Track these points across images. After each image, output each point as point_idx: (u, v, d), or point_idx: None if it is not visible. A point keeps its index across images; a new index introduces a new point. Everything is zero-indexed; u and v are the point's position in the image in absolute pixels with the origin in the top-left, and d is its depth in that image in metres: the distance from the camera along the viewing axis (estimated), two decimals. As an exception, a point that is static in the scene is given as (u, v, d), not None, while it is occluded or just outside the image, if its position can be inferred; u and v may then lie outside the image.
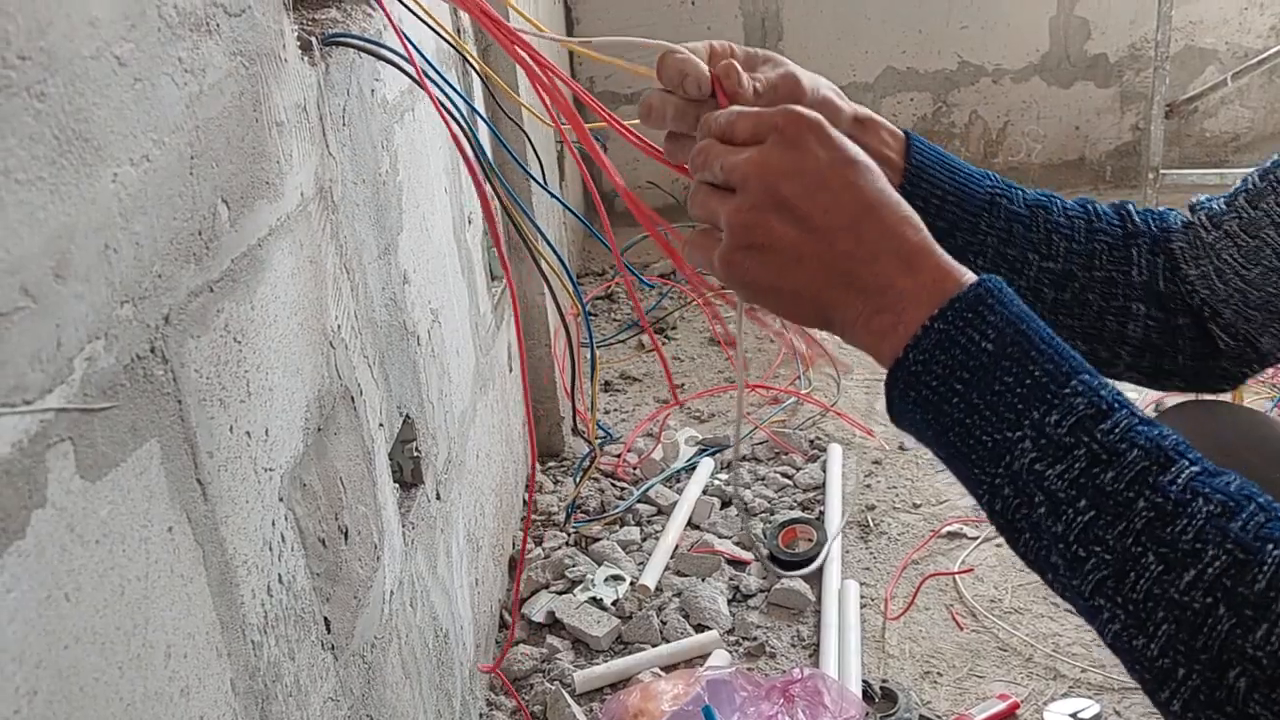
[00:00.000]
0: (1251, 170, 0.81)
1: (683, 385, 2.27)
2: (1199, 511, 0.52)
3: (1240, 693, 0.49)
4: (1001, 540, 1.72)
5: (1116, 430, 0.54)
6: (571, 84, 0.86)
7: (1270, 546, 0.50)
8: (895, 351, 0.59)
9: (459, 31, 1.45)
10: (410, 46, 0.97)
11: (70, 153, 0.52)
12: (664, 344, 2.47)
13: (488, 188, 1.55)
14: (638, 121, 0.75)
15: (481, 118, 1.30)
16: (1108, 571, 0.53)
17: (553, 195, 1.20)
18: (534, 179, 1.35)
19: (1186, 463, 0.54)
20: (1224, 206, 0.81)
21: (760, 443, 1.99)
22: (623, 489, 1.87)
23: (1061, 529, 0.54)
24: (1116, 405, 0.55)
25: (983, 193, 0.79)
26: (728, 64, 0.69)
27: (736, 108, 0.65)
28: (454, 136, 0.97)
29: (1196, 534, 0.52)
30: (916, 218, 0.61)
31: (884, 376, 0.61)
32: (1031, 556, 0.57)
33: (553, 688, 1.40)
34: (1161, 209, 0.85)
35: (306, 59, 0.87)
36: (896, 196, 0.61)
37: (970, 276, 0.59)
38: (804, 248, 0.60)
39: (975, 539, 1.66)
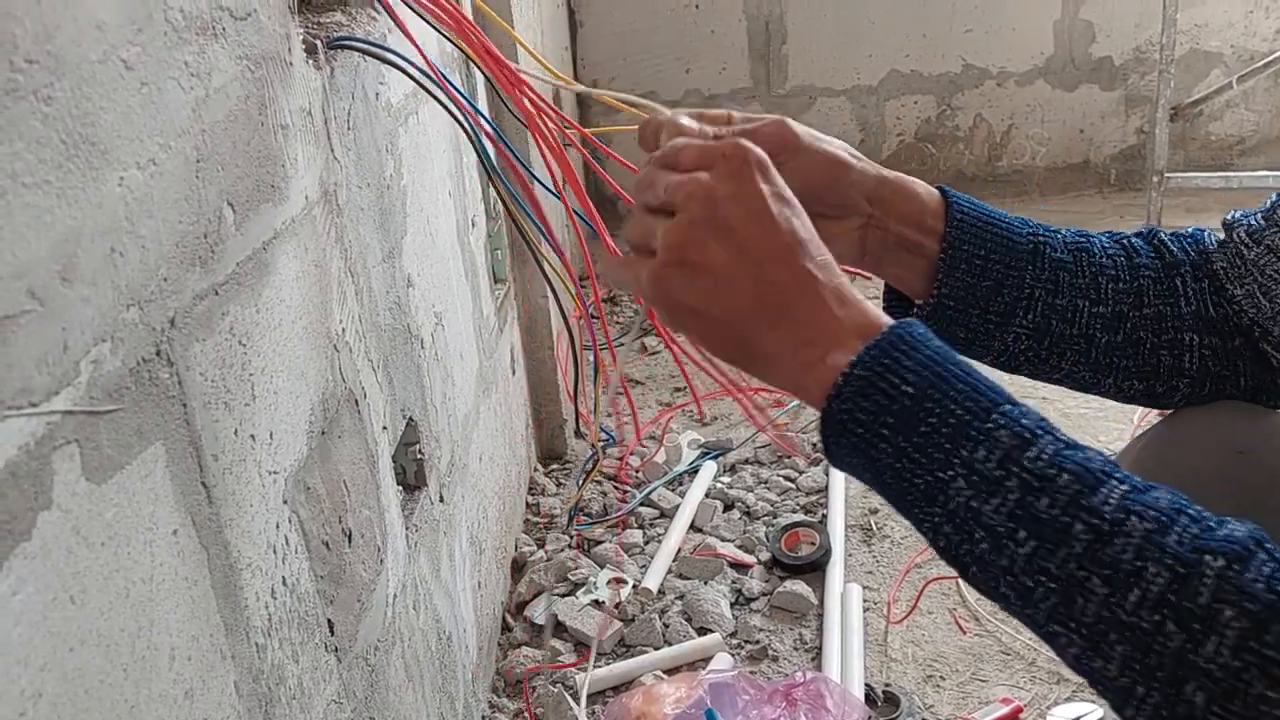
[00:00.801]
0: None
1: (685, 388, 2.27)
2: (1135, 530, 0.52)
3: (1199, 706, 0.50)
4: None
5: (1044, 457, 0.55)
6: (573, 141, 0.87)
7: (1208, 558, 0.51)
8: (820, 395, 0.59)
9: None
10: (415, 48, 0.97)
11: (77, 156, 0.52)
12: (664, 347, 2.47)
13: (492, 191, 1.55)
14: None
15: (485, 119, 1.31)
16: (1057, 599, 0.54)
17: (555, 196, 1.20)
18: (538, 180, 1.35)
19: (1115, 482, 0.54)
20: (1263, 221, 0.79)
21: (763, 446, 1.99)
22: (625, 492, 1.87)
23: (1006, 562, 0.55)
24: (1040, 433, 0.56)
25: (1025, 243, 0.77)
26: (669, 118, 0.68)
27: (686, 139, 0.64)
28: (466, 132, 0.97)
29: (1136, 553, 0.52)
30: (835, 265, 0.61)
31: None
32: (983, 588, 0.58)
33: (555, 690, 1.40)
34: (1191, 229, 0.83)
35: (312, 63, 0.87)
36: (822, 244, 0.61)
37: (886, 322, 0.59)
38: (736, 272, 0.59)
39: (978, 543, 1.66)
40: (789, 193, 0.62)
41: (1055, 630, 0.55)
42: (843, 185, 0.73)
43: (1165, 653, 0.51)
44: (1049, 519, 0.54)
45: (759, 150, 0.61)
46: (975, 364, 0.60)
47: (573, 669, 1.45)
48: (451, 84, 1.01)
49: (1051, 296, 0.77)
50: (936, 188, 0.77)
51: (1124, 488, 0.54)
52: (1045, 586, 0.54)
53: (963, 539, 0.56)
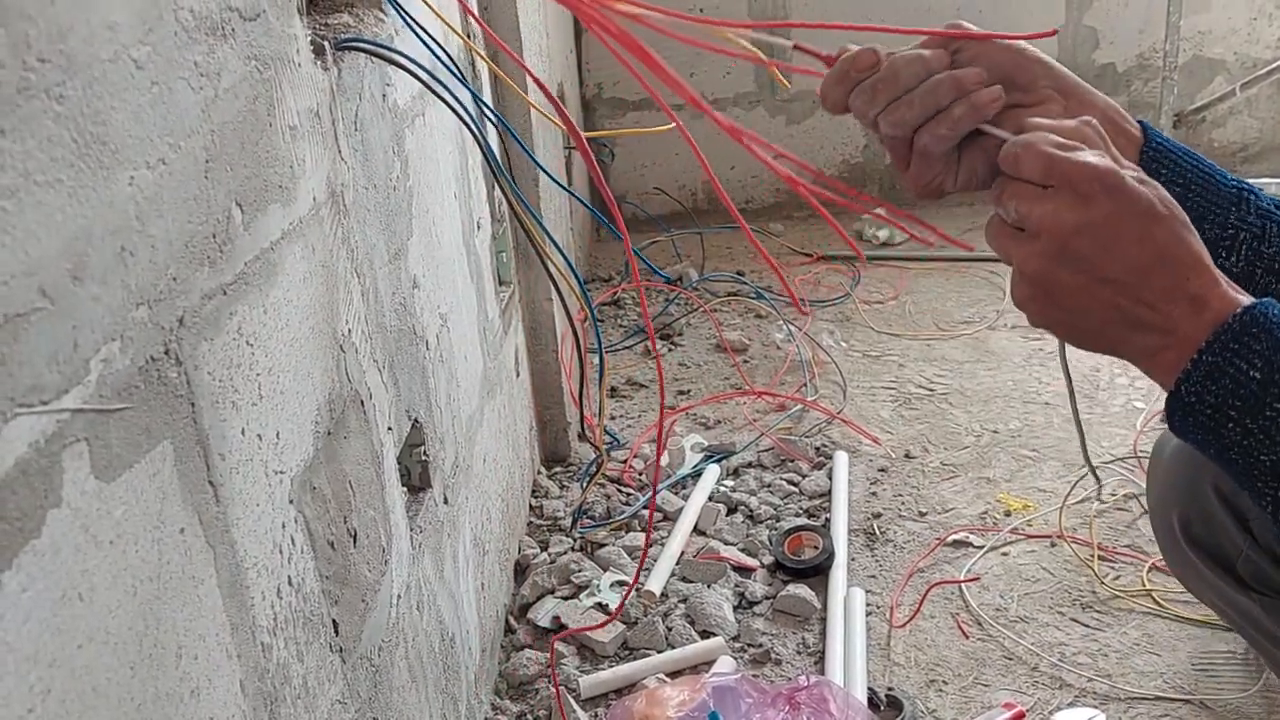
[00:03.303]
0: None
1: (688, 391, 2.27)
2: None
3: None
4: (1008, 549, 1.71)
5: None
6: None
7: None
8: (1169, 377, 0.64)
9: (469, 35, 1.45)
10: (425, 49, 0.98)
11: (88, 155, 0.52)
12: (670, 350, 2.47)
13: (497, 191, 1.55)
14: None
15: (492, 115, 1.31)
16: None
17: (565, 189, 1.21)
18: (546, 173, 1.35)
19: None
20: None
21: (766, 450, 1.99)
22: (628, 495, 1.87)
23: None
24: None
25: (1229, 188, 0.77)
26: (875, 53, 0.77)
27: (1026, 139, 0.67)
28: (472, 132, 0.97)
29: None
30: (1202, 257, 0.64)
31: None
32: None
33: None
34: None
35: (319, 64, 0.87)
36: (1184, 237, 0.64)
37: (1240, 304, 0.62)
38: (1092, 296, 0.64)
39: (981, 548, 1.66)
40: (1142, 201, 0.63)
41: None
42: (1027, 65, 0.74)
43: None
44: None
45: (1104, 166, 0.63)
46: None
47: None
48: (460, 82, 1.01)
49: (1258, 243, 0.76)
50: (1137, 121, 0.78)
51: None
52: None
53: None
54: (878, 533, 1.73)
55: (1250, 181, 0.79)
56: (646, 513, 1.80)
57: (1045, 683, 1.40)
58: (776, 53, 0.78)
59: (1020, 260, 0.66)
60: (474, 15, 1.25)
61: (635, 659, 1.47)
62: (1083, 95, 0.75)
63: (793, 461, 1.94)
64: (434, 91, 1.04)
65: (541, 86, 0.97)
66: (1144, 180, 0.65)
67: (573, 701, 1.38)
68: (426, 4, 1.03)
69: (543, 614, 1.56)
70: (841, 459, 1.91)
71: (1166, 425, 0.66)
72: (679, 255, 2.93)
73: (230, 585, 0.66)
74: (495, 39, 0.99)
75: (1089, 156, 0.64)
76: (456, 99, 1.02)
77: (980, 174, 0.76)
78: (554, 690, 1.39)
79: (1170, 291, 0.63)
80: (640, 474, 1.93)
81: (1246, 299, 0.63)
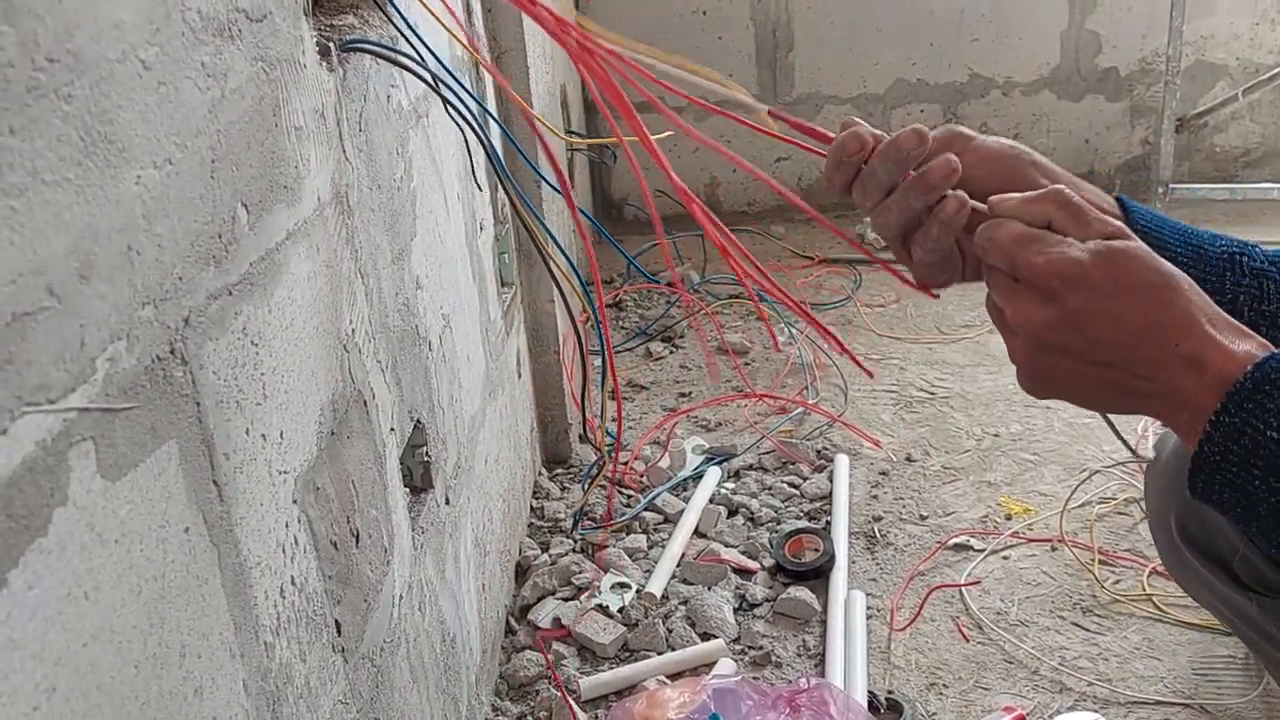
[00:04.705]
0: None
1: (690, 394, 2.28)
2: None
3: None
4: (1008, 553, 1.71)
5: None
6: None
7: None
8: (1190, 440, 0.64)
9: (471, 39, 1.45)
10: (429, 51, 0.98)
11: (95, 154, 0.52)
12: (671, 352, 2.47)
13: (500, 192, 1.55)
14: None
15: (494, 119, 1.31)
16: None
17: (563, 195, 1.21)
18: (545, 180, 1.35)
19: None
20: None
21: (767, 452, 1.99)
22: (630, 496, 1.87)
23: None
24: None
25: (1220, 252, 0.77)
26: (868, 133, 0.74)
27: (989, 232, 0.68)
28: (476, 134, 0.97)
29: None
30: (1196, 308, 0.63)
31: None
32: None
33: (558, 694, 1.40)
34: None
35: (325, 65, 0.88)
36: (1165, 300, 0.63)
37: (1253, 358, 0.62)
38: (1086, 377, 0.65)
39: (982, 551, 1.66)
40: (1109, 282, 0.63)
41: None
42: (1023, 167, 0.75)
43: None
44: None
45: (1057, 259, 0.64)
46: None
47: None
48: (463, 86, 1.02)
49: (1258, 302, 0.76)
50: (1114, 197, 0.78)
51: None
52: None
53: None
54: (878, 536, 1.73)
55: (1241, 239, 0.79)
56: (647, 514, 1.80)
57: (1046, 686, 1.40)
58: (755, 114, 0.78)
59: (1010, 350, 0.68)
60: (467, 34, 1.25)
61: (636, 660, 1.47)
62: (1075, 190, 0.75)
63: (794, 464, 1.94)
64: (438, 93, 1.04)
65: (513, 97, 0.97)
66: (1109, 255, 0.64)
67: (573, 703, 1.38)
68: (428, 9, 1.03)
69: (543, 615, 1.56)
70: (842, 462, 1.91)
71: (1188, 489, 0.66)
72: (680, 258, 2.93)
73: (234, 584, 0.66)
74: (481, 59, 0.99)
75: (1044, 253, 0.65)
76: (460, 100, 1.02)
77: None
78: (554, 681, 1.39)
79: (1160, 361, 0.63)
80: (641, 476, 1.93)
81: (1249, 348, 0.63)
